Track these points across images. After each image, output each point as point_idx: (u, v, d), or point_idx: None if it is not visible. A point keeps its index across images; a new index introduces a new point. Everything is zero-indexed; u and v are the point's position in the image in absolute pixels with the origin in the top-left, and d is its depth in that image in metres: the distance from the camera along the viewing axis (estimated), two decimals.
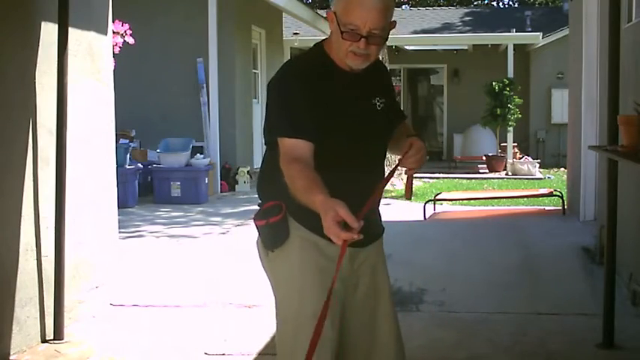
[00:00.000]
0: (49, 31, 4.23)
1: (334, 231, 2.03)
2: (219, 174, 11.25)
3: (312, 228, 2.27)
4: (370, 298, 2.45)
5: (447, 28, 19.45)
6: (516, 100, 15.36)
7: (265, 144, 2.46)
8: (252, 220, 2.40)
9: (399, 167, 2.38)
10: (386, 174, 2.45)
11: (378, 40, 2.24)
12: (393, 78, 13.98)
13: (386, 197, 10.44)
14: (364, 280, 2.44)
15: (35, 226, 4.13)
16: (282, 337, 2.42)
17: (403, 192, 11.85)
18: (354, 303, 2.42)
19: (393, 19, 2.28)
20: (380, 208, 2.53)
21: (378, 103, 2.41)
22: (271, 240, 2.34)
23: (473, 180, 14.31)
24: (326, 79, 2.34)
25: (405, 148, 2.30)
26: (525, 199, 10.53)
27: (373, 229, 2.40)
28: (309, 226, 2.28)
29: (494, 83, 15.31)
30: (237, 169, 11.73)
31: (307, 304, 2.29)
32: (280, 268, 2.38)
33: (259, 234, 2.38)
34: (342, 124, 2.33)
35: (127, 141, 10.28)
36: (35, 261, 4.14)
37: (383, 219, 2.56)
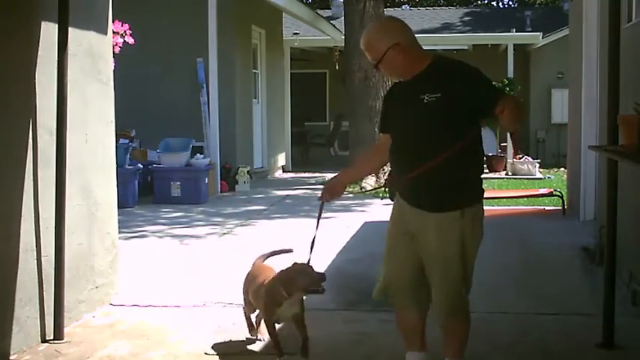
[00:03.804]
0: (49, 31, 4.23)
1: (325, 194, 3.53)
2: (219, 174, 11.25)
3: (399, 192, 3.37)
4: (424, 257, 3.28)
5: (446, 28, 19.45)
6: None
7: None
8: None
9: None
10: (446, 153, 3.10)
11: (378, 64, 3.23)
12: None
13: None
14: (417, 237, 3.26)
15: (35, 226, 4.13)
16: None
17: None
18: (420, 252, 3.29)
19: (391, 42, 3.16)
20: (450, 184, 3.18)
21: (425, 98, 3.13)
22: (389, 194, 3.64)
23: None
24: (396, 90, 3.40)
25: (499, 111, 2.96)
26: (525, 199, 10.53)
27: (424, 197, 3.20)
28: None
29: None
30: (237, 169, 11.73)
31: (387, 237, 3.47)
32: None
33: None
34: (397, 116, 3.30)
35: (127, 141, 10.27)
36: (35, 261, 4.15)
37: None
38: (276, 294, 3.58)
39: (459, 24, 20.05)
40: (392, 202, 3.53)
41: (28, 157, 4.09)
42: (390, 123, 3.37)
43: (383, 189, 3.85)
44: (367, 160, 3.72)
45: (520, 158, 15.18)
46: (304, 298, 3.68)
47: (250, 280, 4.07)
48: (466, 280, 3.28)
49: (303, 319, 3.70)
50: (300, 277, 3.52)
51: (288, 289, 3.54)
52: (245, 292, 4.11)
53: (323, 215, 3.58)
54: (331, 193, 3.53)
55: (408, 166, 3.20)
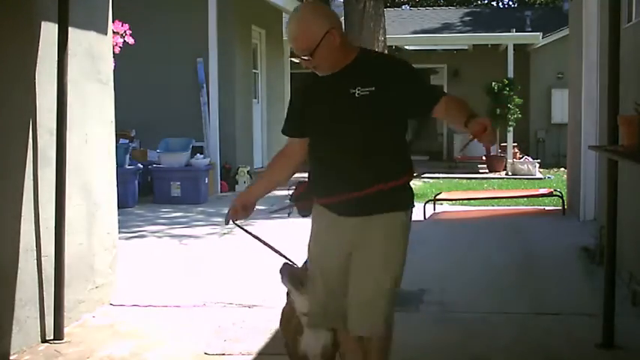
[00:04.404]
0: (49, 31, 4.23)
1: (231, 214, 3.12)
2: (219, 174, 11.25)
3: (322, 203, 2.96)
4: (361, 263, 2.89)
5: (446, 28, 19.45)
6: (516, 100, 15.36)
7: None
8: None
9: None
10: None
11: (310, 55, 2.81)
12: None
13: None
14: (360, 245, 2.89)
15: (35, 226, 4.13)
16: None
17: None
18: (355, 260, 2.90)
19: (328, 26, 2.79)
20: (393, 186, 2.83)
21: (357, 92, 2.81)
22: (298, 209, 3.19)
23: (473, 180, 14.31)
24: (314, 84, 2.96)
25: (478, 129, 2.63)
26: (525, 199, 10.53)
27: (365, 203, 2.82)
28: (320, 201, 2.98)
29: (493, 83, 15.31)
30: (237, 169, 11.73)
31: (311, 259, 3.07)
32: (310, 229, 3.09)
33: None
34: (319, 115, 2.91)
35: (127, 141, 10.28)
36: (35, 261, 4.14)
37: None
38: (286, 308, 3.11)
39: (459, 24, 20.05)
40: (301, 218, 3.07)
41: (28, 157, 4.09)
42: (309, 124, 2.94)
43: (289, 203, 3.22)
44: (281, 169, 3.14)
45: (513, 164, 15.17)
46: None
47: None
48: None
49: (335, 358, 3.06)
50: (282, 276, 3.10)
51: (290, 290, 3.08)
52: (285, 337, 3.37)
53: None
54: (243, 209, 3.07)
55: (342, 176, 2.84)
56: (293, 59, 3.07)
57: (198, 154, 10.59)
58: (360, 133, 2.82)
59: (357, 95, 2.80)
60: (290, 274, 3.10)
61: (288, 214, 3.21)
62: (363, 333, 2.91)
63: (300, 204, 3.15)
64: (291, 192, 3.16)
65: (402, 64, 2.92)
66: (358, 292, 2.87)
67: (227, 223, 3.13)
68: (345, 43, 2.87)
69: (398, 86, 2.81)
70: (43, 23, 4.20)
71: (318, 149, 2.94)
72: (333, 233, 2.95)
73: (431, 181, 13.92)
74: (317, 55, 2.80)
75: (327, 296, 2.95)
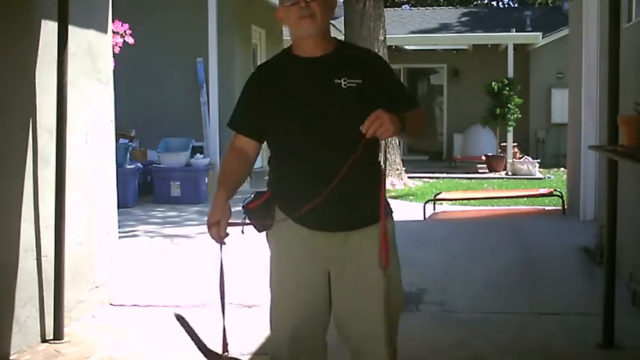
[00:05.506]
0: (49, 31, 4.23)
1: (211, 232, 2.59)
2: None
3: (290, 216, 2.54)
4: (356, 286, 2.54)
5: (446, 28, 19.45)
6: (516, 100, 15.37)
7: None
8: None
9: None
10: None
11: None
12: None
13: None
14: (351, 265, 2.53)
15: (35, 226, 4.13)
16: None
17: (402, 192, 11.77)
18: (341, 286, 2.55)
19: None
20: (373, 192, 2.50)
21: (343, 83, 2.45)
22: (255, 224, 2.63)
23: (473, 180, 14.31)
24: (281, 71, 2.56)
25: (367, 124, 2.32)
26: (525, 199, 10.54)
27: (354, 212, 2.50)
28: (288, 213, 2.55)
29: (493, 83, 15.31)
30: None
31: (277, 285, 2.67)
32: (270, 250, 2.70)
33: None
34: (292, 106, 2.49)
35: (127, 141, 10.28)
36: (35, 261, 4.15)
37: None
38: None
39: (458, 24, 20.05)
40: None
41: (28, 156, 4.09)
42: (273, 118, 2.50)
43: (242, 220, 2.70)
44: (238, 167, 2.69)
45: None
46: None
47: None
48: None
49: None
50: None
51: None
52: None
53: None
54: (225, 221, 2.62)
55: (320, 178, 2.42)
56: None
57: (198, 154, 10.59)
58: (344, 129, 2.40)
59: (343, 86, 2.44)
60: None
61: (242, 231, 2.67)
62: None
63: (256, 218, 2.66)
64: (246, 202, 2.66)
65: (384, 61, 2.66)
66: (356, 321, 2.57)
67: (221, 242, 2.66)
68: (329, 26, 2.58)
69: (382, 83, 2.51)
70: (43, 23, 4.20)
71: (287, 147, 2.52)
72: (303, 250, 2.55)
73: (431, 181, 13.92)
74: (322, 1, 2.46)
75: (302, 322, 2.58)
